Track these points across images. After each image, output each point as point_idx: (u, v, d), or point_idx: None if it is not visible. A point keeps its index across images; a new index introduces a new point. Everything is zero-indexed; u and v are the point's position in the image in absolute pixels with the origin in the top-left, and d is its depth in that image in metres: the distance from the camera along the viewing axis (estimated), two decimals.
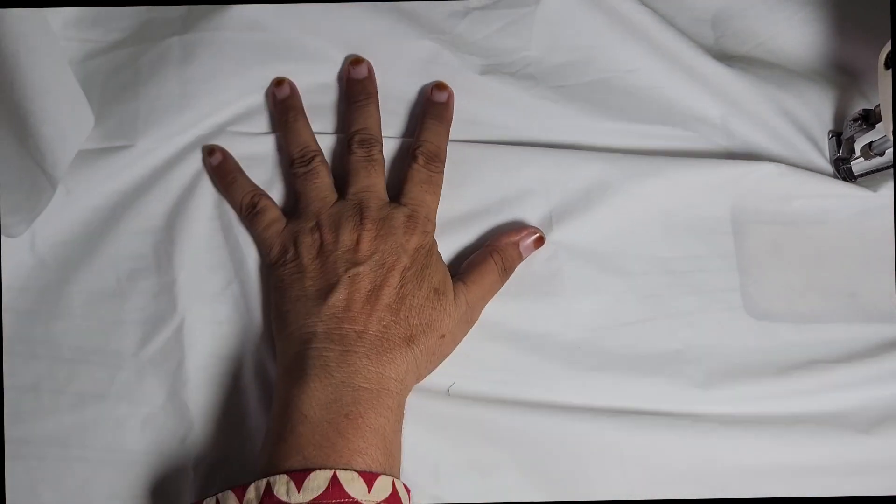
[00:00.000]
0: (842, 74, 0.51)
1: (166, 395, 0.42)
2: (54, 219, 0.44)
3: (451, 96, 0.46)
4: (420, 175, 0.43)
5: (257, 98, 0.47)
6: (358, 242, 0.39)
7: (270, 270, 0.42)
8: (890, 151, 0.45)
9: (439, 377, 0.42)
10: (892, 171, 0.46)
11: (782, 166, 0.46)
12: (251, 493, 0.33)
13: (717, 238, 0.46)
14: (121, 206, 0.45)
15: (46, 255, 0.44)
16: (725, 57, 0.50)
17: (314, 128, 0.46)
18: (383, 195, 0.42)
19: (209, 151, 0.44)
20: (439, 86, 0.46)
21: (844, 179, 0.47)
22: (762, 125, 0.49)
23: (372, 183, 0.42)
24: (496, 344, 0.44)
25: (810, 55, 0.51)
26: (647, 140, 0.48)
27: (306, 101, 0.46)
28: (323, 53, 0.47)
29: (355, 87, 0.45)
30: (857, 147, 0.47)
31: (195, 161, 0.45)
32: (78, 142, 0.41)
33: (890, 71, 0.41)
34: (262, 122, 0.47)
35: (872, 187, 0.47)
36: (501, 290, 0.44)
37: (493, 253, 0.43)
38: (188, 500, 0.41)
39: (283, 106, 0.45)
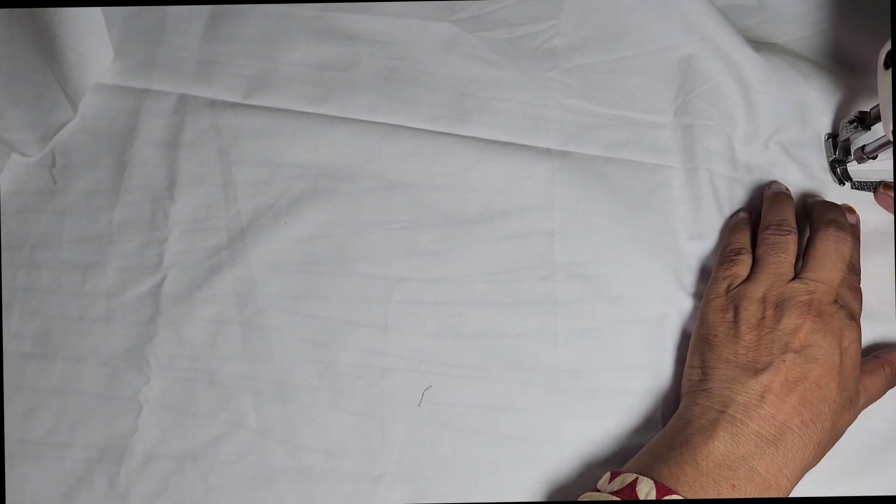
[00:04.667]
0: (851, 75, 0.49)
1: (126, 346, 0.44)
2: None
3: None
4: (850, 282, 0.44)
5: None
6: (797, 330, 0.40)
7: (704, 310, 0.43)
8: (883, 154, 0.45)
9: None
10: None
11: None
12: (642, 486, 0.37)
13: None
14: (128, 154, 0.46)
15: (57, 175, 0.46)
16: (758, 42, 0.49)
17: None
18: (834, 292, 0.42)
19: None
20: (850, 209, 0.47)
21: (840, 182, 0.47)
22: (772, 116, 0.48)
23: (830, 278, 0.42)
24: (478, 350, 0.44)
25: (846, 57, 0.50)
26: (652, 131, 0.48)
27: None
28: None
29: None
30: (853, 149, 0.47)
31: (205, 119, 0.46)
32: (97, 73, 0.42)
33: (889, 71, 0.42)
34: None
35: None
36: (493, 300, 0.45)
37: (885, 365, 0.43)
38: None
39: (775, 187, 0.47)
